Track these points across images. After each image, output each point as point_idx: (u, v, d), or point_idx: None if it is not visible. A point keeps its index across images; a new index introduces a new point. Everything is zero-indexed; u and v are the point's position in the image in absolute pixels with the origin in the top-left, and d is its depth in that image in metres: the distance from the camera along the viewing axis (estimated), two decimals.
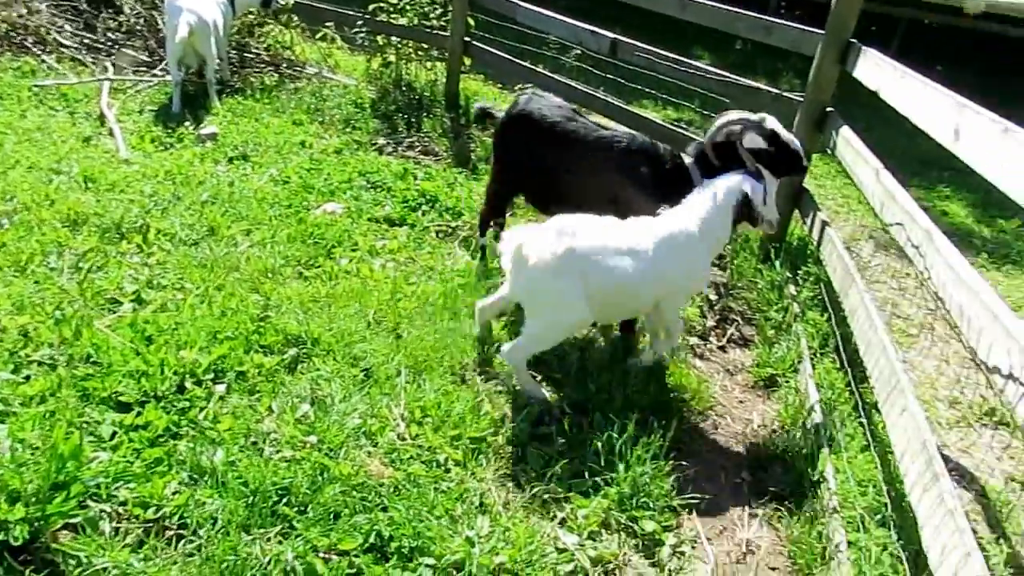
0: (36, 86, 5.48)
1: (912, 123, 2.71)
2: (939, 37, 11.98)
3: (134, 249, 3.44)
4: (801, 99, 4.11)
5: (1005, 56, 11.40)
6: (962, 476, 3.03)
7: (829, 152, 3.94)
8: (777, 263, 4.14)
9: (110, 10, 6.96)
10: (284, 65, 7.08)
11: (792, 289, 3.93)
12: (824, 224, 3.72)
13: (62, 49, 6.45)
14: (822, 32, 3.88)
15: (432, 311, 3.32)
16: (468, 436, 2.62)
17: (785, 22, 4.23)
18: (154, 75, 6.22)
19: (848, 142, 3.55)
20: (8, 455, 2.01)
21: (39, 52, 6.33)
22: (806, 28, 4.08)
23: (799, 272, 4.01)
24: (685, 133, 5.29)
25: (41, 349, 2.60)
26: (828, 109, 3.98)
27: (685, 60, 4.95)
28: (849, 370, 3.12)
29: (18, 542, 1.81)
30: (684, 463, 2.85)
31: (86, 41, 6.63)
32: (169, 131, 5.06)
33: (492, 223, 3.93)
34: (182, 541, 2.00)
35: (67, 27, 6.73)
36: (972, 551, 1.62)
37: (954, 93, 2.39)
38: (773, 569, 2.48)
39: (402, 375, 2.85)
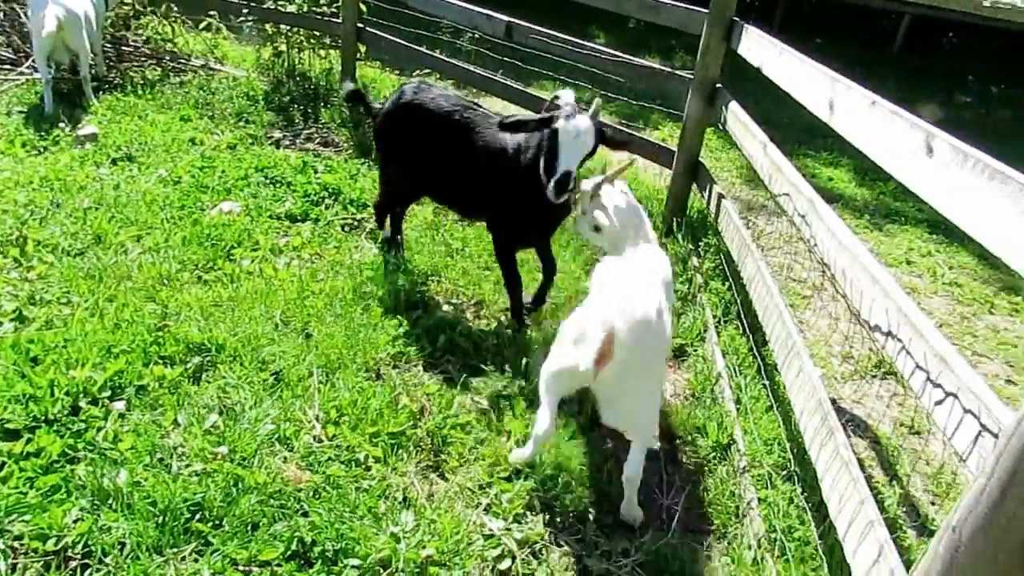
0: None
1: None
2: (818, 11, 12.63)
3: (11, 264, 3.20)
4: (692, 76, 4.25)
5: (882, 27, 12.14)
6: (857, 426, 3.24)
7: (721, 127, 4.10)
8: (679, 236, 4.29)
9: None
10: (167, 58, 6.71)
11: (695, 261, 4.08)
12: (720, 197, 3.88)
13: None
14: (707, 11, 4.02)
15: (342, 307, 3.25)
16: (387, 432, 2.59)
17: (672, 2, 4.34)
18: (21, 73, 5.76)
19: (736, 117, 3.70)
20: None
21: None
22: (692, 7, 4.21)
23: (700, 244, 4.17)
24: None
25: None
26: (717, 85, 4.13)
27: (579, 41, 5.02)
28: (751, 335, 3.27)
29: None
30: (604, 439, 2.94)
31: None
32: (42, 133, 4.71)
33: (392, 213, 3.90)
34: (87, 571, 1.89)
35: None
36: (866, 499, 1.74)
37: (827, 68, 2.53)
38: (692, 531, 2.58)
39: (314, 376, 2.79)
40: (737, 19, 3.89)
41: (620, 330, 2.16)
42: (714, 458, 2.83)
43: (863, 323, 1.90)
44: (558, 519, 2.44)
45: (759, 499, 2.52)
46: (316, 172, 4.71)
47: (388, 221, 3.96)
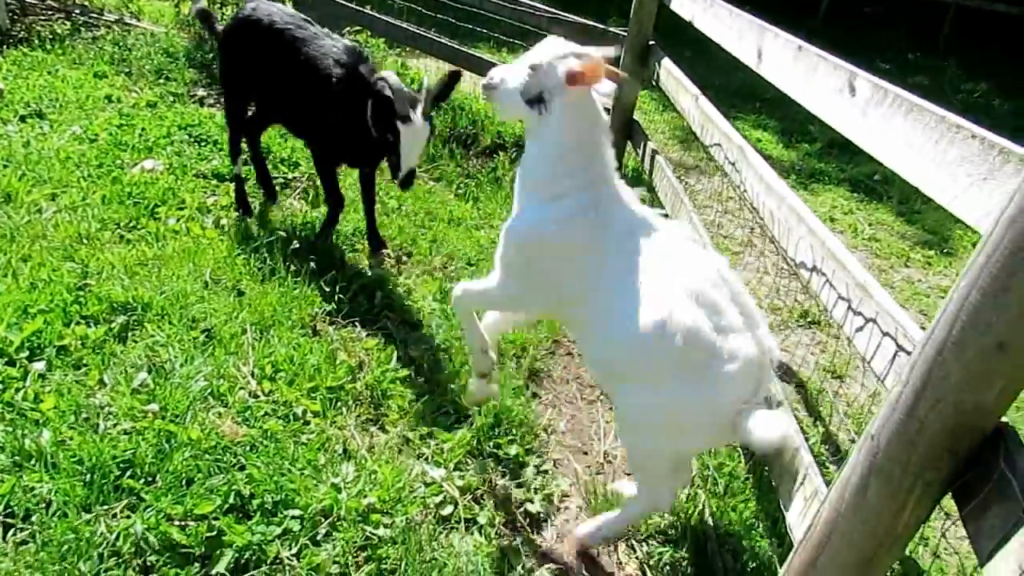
0: None
1: (727, 59, 2.90)
2: None
3: None
4: (625, 34, 4.27)
5: None
6: (785, 372, 3.38)
7: (654, 84, 4.14)
8: None
9: None
10: (76, 12, 6.31)
11: None
12: (654, 152, 3.94)
13: None
14: None
15: (274, 265, 3.17)
16: (325, 386, 2.56)
17: None
18: None
19: (670, 72, 3.74)
20: None
21: None
22: None
23: None
24: None
25: None
26: (650, 43, 4.17)
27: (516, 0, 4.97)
28: None
29: None
30: (542, 389, 2.99)
31: None
32: None
33: (250, 143, 3.76)
34: (11, 531, 1.82)
35: None
36: (794, 431, 1.83)
37: (757, 18, 2.58)
38: (629, 474, 2.66)
39: (248, 333, 2.72)
40: None
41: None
42: None
43: (789, 260, 1.97)
44: (499, 465, 2.48)
45: None
46: None
47: (242, 160, 3.72)
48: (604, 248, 1.89)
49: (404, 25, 5.76)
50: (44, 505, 1.87)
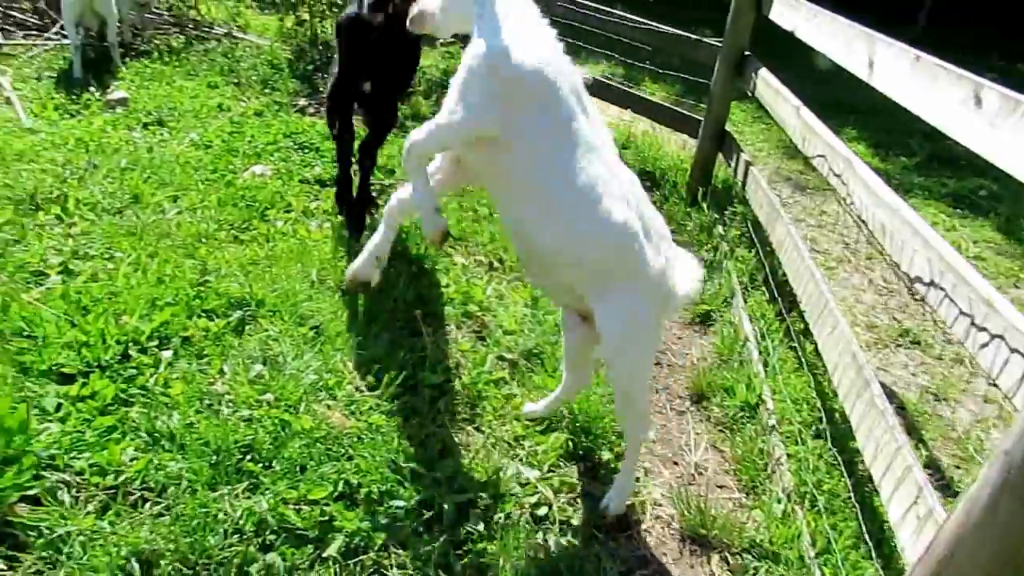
0: None
1: (821, 69, 2.86)
2: None
3: (53, 220, 3.27)
4: (720, 44, 4.25)
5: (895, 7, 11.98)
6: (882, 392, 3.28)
7: (749, 95, 4.10)
8: (704, 206, 4.31)
9: None
10: (190, 26, 6.74)
11: (720, 229, 4.11)
12: (748, 164, 3.89)
13: None
14: None
15: None
16: (425, 384, 2.66)
17: None
18: (48, 39, 5.80)
19: (767, 83, 3.70)
20: None
21: None
22: None
23: (725, 213, 4.19)
24: (619, 86, 5.39)
25: None
26: (746, 53, 4.13)
27: (607, 9, 5.02)
28: (779, 300, 3.30)
29: None
30: None
31: None
32: (73, 97, 4.77)
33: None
34: (147, 503, 1.97)
35: None
36: (902, 445, 1.79)
37: (864, 27, 2.54)
38: (721, 487, 2.64)
39: (352, 330, 2.85)
40: None
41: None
42: (742, 417, 2.88)
43: (902, 275, 1.93)
44: (592, 469, 2.51)
45: (788, 455, 2.57)
46: None
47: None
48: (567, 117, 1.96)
49: None
50: (176, 481, 2.01)
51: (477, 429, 2.60)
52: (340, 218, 3.76)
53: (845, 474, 2.40)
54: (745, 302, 3.48)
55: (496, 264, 3.68)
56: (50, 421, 2.13)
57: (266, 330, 2.76)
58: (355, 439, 2.31)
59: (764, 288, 3.56)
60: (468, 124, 1.97)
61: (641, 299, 2.03)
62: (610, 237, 1.96)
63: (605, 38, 5.38)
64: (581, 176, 1.94)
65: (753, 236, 3.83)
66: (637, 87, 7.00)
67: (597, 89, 5.24)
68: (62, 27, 5.77)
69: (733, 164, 4.16)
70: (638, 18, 4.86)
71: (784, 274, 3.34)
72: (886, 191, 2.16)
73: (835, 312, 2.39)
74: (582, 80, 2.09)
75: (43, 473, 1.96)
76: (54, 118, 4.44)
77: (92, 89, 4.92)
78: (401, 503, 2.13)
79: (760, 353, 3.09)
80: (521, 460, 2.48)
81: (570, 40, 5.79)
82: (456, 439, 2.51)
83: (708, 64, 4.35)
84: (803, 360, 2.98)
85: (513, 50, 1.92)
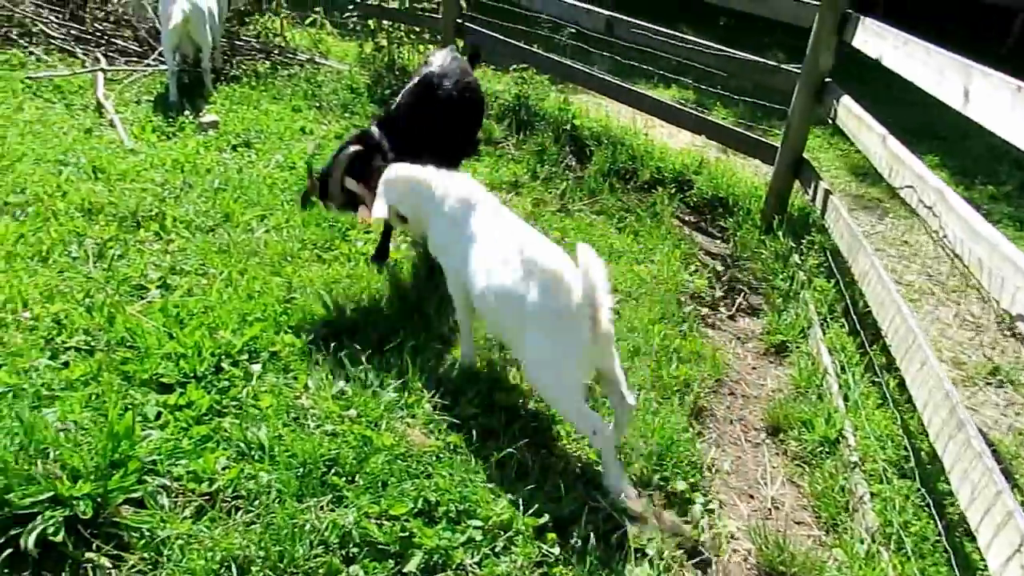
0: (29, 78, 5.42)
1: (898, 94, 2.79)
2: (922, 2, 12.09)
3: (152, 237, 3.47)
4: (799, 71, 4.19)
5: (993, 21, 11.57)
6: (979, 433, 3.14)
7: (830, 122, 4.03)
8: (780, 233, 4.24)
9: (97, 0, 6.88)
10: (275, 52, 7.05)
11: (797, 258, 4.03)
12: (827, 193, 3.82)
13: (50, 41, 6.38)
14: (817, 3, 3.96)
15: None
16: (500, 406, 2.69)
17: None
18: (147, 65, 6.17)
19: (850, 111, 3.63)
20: (63, 435, 2.05)
21: (26, 44, 6.26)
22: (802, 0, 4.16)
23: (802, 241, 4.11)
24: (683, 108, 5.38)
25: (76, 336, 2.63)
26: (827, 80, 4.07)
27: (681, 35, 5.02)
28: (861, 332, 3.22)
29: (86, 515, 1.87)
30: (706, 428, 2.97)
31: (73, 32, 6.55)
32: (169, 120, 5.05)
33: None
34: (239, 511, 2.06)
35: (52, 18, 6.65)
36: (1003, 489, 1.72)
37: (959, 56, 2.48)
38: (799, 523, 2.58)
39: (430, 350, 2.92)
40: (851, 11, 3.82)
41: (598, 292, 2.15)
42: (821, 452, 2.81)
43: (1002, 312, 1.87)
44: (666, 499, 2.49)
45: (872, 494, 2.49)
46: None
47: None
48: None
49: (564, 61, 5.97)
50: (266, 491, 2.10)
51: (551, 453, 2.62)
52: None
53: (935, 517, 2.31)
54: (824, 334, 3.39)
55: None
56: (151, 428, 2.25)
57: (347, 347, 2.84)
58: (434, 457, 2.36)
59: (844, 320, 3.47)
60: None
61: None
62: None
63: (676, 62, 5.39)
64: None
65: (832, 266, 3.75)
66: (708, 111, 6.96)
67: (670, 114, 5.25)
68: (160, 54, 6.14)
69: (811, 192, 4.08)
70: (710, 43, 4.84)
71: (866, 306, 3.25)
72: (983, 224, 2.10)
73: (924, 347, 2.32)
74: None
75: (145, 478, 2.07)
76: (152, 140, 4.71)
77: (186, 112, 5.20)
78: (479, 523, 2.16)
79: (840, 387, 3.01)
80: (596, 486, 2.48)
81: (636, 64, 5.83)
82: (531, 462, 2.52)
83: (784, 90, 4.30)
84: (887, 396, 2.89)
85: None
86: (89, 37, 6.54)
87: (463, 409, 2.63)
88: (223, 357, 2.62)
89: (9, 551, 1.81)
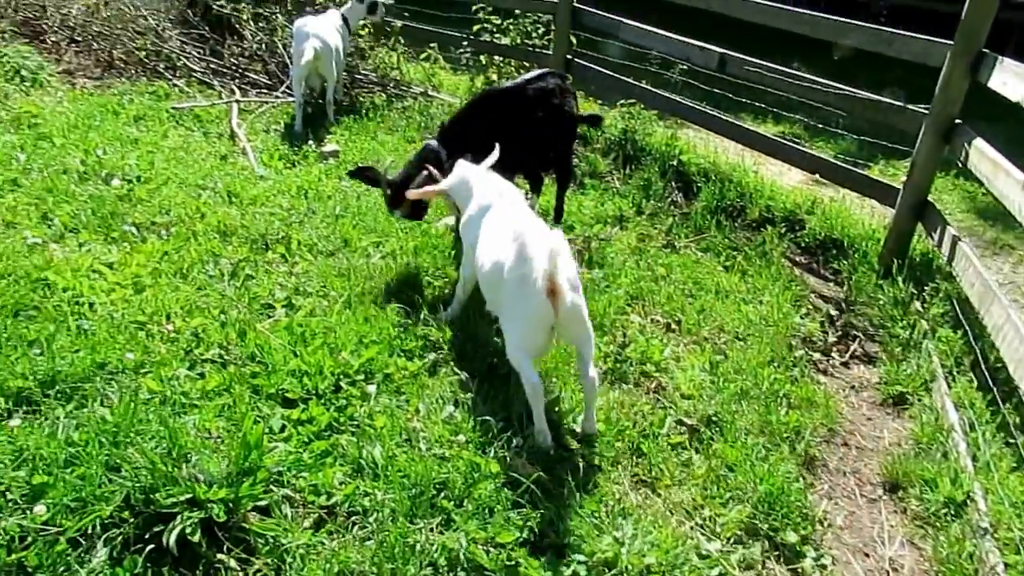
0: (174, 108, 5.92)
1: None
2: None
3: (279, 259, 3.70)
4: (926, 111, 4.02)
5: None
6: None
7: (960, 164, 3.84)
8: (900, 279, 4.05)
9: (234, 37, 7.46)
10: (391, 85, 7.39)
11: (918, 305, 3.83)
12: (955, 239, 3.63)
13: (191, 74, 6.96)
14: (949, 42, 3.81)
15: None
16: (604, 440, 2.69)
17: (907, 33, 4.16)
18: (276, 97, 6.62)
19: (983, 154, 3.46)
20: (202, 442, 2.22)
21: (170, 77, 6.85)
22: (932, 39, 4.01)
23: (925, 288, 3.90)
24: (796, 147, 5.25)
25: (212, 348, 2.84)
26: (957, 121, 3.89)
27: (798, 73, 4.93)
28: (993, 388, 3.02)
29: (220, 519, 2.00)
30: (818, 478, 2.86)
31: (212, 66, 7.12)
32: (295, 149, 5.38)
33: None
34: (355, 527, 2.15)
35: (194, 53, 7.25)
36: None
37: None
38: None
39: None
40: (987, 51, 3.65)
41: (556, 262, 2.41)
42: (946, 514, 2.64)
43: None
44: (776, 549, 2.41)
45: (1006, 564, 2.32)
46: (527, 195, 4.97)
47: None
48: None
49: (672, 97, 5.96)
50: (380, 509, 2.18)
51: (654, 491, 2.59)
52: None
53: None
54: (950, 387, 3.21)
55: (673, 325, 3.67)
56: (277, 440, 2.39)
57: (456, 373, 2.93)
58: (539, 488, 2.38)
59: (972, 374, 3.27)
60: None
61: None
62: None
63: (784, 97, 5.28)
64: None
65: (960, 316, 3.54)
66: (812, 146, 6.77)
67: (782, 152, 5.13)
68: (288, 87, 6.57)
69: (936, 237, 3.89)
70: (828, 80, 4.72)
71: (998, 360, 3.06)
72: None
73: None
74: None
75: (271, 487, 2.20)
76: (279, 167, 5.04)
77: (310, 142, 5.53)
78: (583, 557, 2.17)
79: (969, 445, 2.83)
80: (701, 529, 2.44)
81: (745, 100, 5.74)
82: (634, 500, 2.51)
83: (911, 131, 4.13)
84: None
85: None
86: (226, 70, 7.08)
87: (568, 441, 2.65)
88: (342, 376, 2.76)
89: (151, 547, 1.96)
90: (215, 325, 2.97)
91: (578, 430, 2.74)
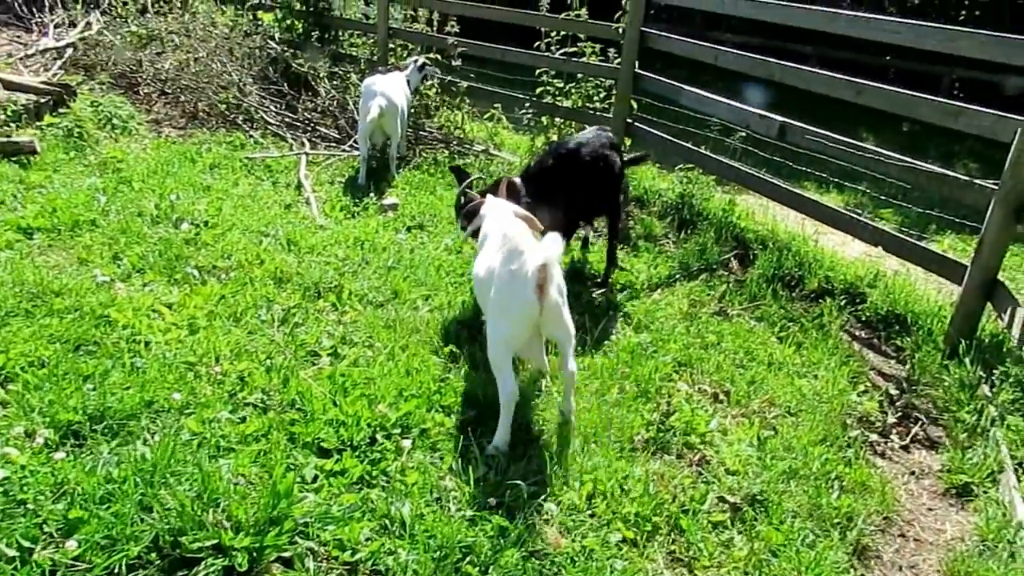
0: (247, 158, 6.22)
1: None
2: None
3: (330, 307, 3.78)
4: (996, 186, 3.87)
5: None
6: None
7: None
8: (967, 360, 3.84)
9: (309, 93, 7.85)
10: (454, 142, 7.60)
11: (986, 389, 3.62)
12: None
13: (267, 126, 7.32)
14: (1020, 118, 3.68)
15: (599, 383, 3.37)
16: (637, 514, 2.60)
17: (976, 107, 4.04)
18: (343, 150, 6.89)
19: None
20: (234, 487, 2.24)
21: (247, 129, 7.22)
22: (1001, 114, 3.88)
23: (994, 372, 3.69)
24: (858, 218, 5.12)
25: (255, 393, 2.90)
26: None
27: (859, 144, 4.84)
28: None
29: (242, 568, 2.00)
30: (870, 570, 2.68)
31: (287, 120, 7.48)
32: (356, 201, 5.55)
33: None
34: None
35: (272, 107, 7.65)
36: None
37: None
38: None
39: (570, 444, 2.90)
40: None
41: (550, 259, 2.65)
42: None
43: None
44: None
45: None
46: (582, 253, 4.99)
47: None
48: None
49: (732, 163, 5.92)
50: (403, 570, 2.14)
51: (691, 571, 2.48)
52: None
53: None
54: (1019, 480, 2.99)
55: (722, 396, 3.56)
56: (308, 490, 2.40)
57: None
58: (568, 560, 2.30)
59: None
60: None
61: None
62: None
63: (845, 169, 5.17)
64: None
65: None
66: (876, 217, 6.59)
67: (843, 223, 5.00)
68: (355, 141, 6.83)
69: (1007, 318, 3.69)
70: (892, 153, 4.61)
71: None
72: None
73: None
74: None
75: (297, 538, 2.19)
76: (339, 217, 5.20)
77: (371, 194, 5.71)
78: None
79: None
80: None
81: (805, 169, 5.64)
82: None
83: (980, 207, 3.98)
84: None
85: None
86: (299, 124, 7.43)
87: (600, 512, 2.56)
88: (378, 429, 2.76)
89: None
90: (260, 370, 3.04)
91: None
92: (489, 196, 3.67)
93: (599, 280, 4.67)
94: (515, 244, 2.80)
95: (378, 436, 2.73)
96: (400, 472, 2.58)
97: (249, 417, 2.75)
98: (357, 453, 2.63)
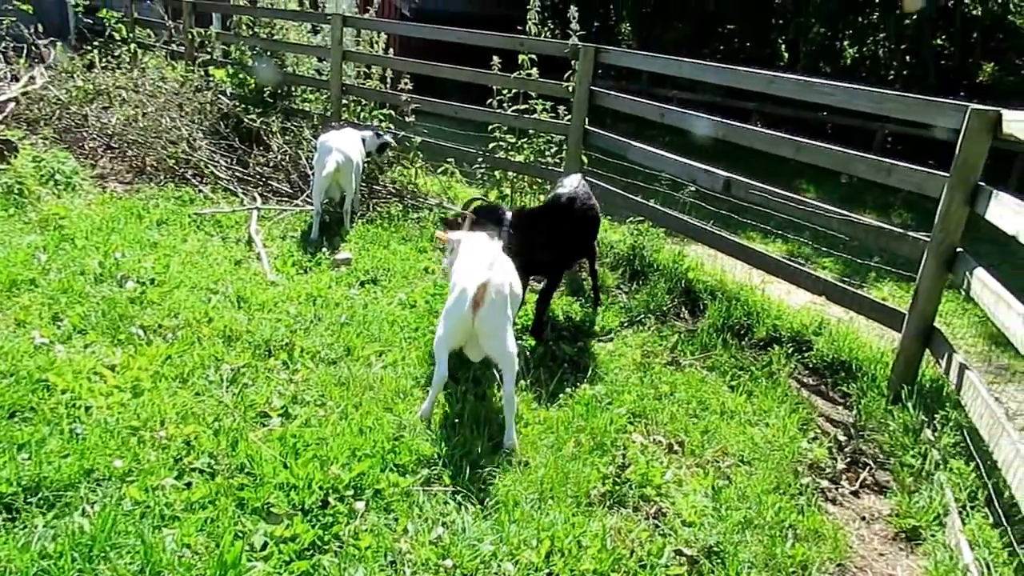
0: (196, 214, 6.14)
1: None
2: None
3: (281, 366, 3.71)
4: (928, 238, 4.07)
5: None
6: None
7: (963, 293, 3.84)
8: (909, 405, 3.96)
9: (260, 147, 7.83)
10: (407, 196, 7.64)
11: (929, 433, 3.73)
12: (963, 367, 3.58)
13: (217, 181, 7.26)
14: (946, 175, 3.90)
15: (555, 439, 3.36)
16: (595, 570, 2.57)
17: (907, 164, 4.27)
18: (295, 205, 6.86)
19: (985, 285, 3.46)
20: (178, 560, 2.15)
21: (197, 183, 7.14)
22: (930, 171, 4.11)
23: (935, 416, 3.81)
24: (802, 268, 5.30)
25: (202, 458, 2.80)
26: (958, 250, 3.92)
27: (800, 198, 5.04)
28: (1008, 528, 2.89)
29: None
30: None
31: (238, 175, 7.43)
32: (308, 256, 5.51)
33: None
34: None
35: (222, 162, 7.60)
36: None
37: None
38: None
39: (528, 501, 2.87)
40: (983, 184, 3.73)
41: (489, 281, 3.16)
42: None
43: None
44: None
45: None
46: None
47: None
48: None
49: (679, 216, 6.09)
50: None
51: None
52: (526, 382, 3.92)
53: None
54: (964, 524, 3.06)
55: (676, 447, 3.59)
56: (256, 559, 2.32)
57: (448, 490, 2.85)
58: None
59: (987, 510, 3.13)
60: None
61: None
62: None
63: (788, 221, 5.38)
64: None
65: (971, 448, 3.44)
66: (826, 267, 6.83)
67: (788, 273, 5.17)
68: (308, 195, 6.82)
69: (944, 364, 3.84)
70: (830, 207, 4.82)
71: (1013, 498, 2.93)
72: None
73: None
74: None
75: None
76: (292, 273, 5.15)
77: (324, 249, 5.68)
78: None
79: None
80: None
81: (751, 221, 5.85)
82: None
83: (914, 258, 4.17)
84: None
85: None
86: (250, 179, 7.39)
87: (558, 569, 2.53)
88: (331, 491, 2.69)
89: None
90: (208, 433, 2.95)
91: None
92: (464, 233, 4.04)
93: (592, 300, 5.30)
94: (474, 263, 3.32)
95: (330, 499, 2.66)
96: (353, 536, 2.51)
97: (195, 483, 2.66)
98: (309, 517, 2.56)
